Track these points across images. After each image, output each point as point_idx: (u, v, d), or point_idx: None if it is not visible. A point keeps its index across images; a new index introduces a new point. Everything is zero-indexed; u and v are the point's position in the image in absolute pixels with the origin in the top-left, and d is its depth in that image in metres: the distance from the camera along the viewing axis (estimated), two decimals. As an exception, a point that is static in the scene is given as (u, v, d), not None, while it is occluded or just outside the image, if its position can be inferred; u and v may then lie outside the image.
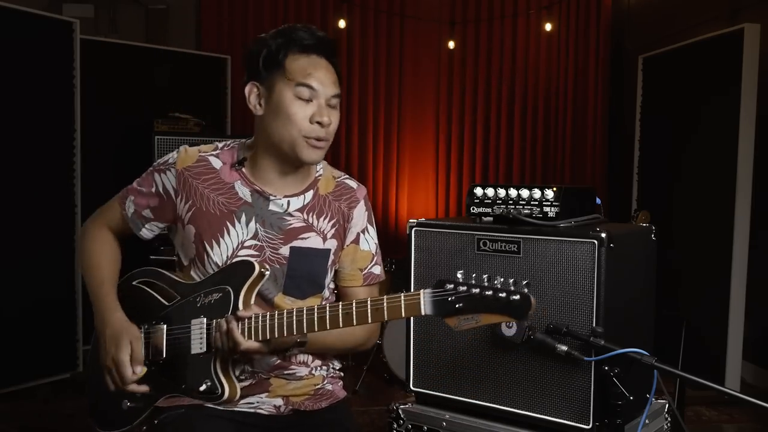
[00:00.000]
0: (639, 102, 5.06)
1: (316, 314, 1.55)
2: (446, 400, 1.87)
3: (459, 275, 1.46)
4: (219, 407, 1.71)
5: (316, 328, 1.56)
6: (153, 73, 4.90)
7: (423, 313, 1.47)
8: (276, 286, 1.77)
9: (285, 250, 1.76)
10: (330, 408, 1.85)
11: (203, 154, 1.79)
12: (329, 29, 5.74)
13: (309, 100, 1.68)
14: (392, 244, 5.86)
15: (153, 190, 1.79)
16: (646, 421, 1.74)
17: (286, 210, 1.77)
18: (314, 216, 1.80)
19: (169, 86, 4.91)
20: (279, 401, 1.79)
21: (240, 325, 1.60)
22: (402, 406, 1.90)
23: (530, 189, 1.79)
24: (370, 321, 1.52)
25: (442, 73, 6.06)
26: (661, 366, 1.52)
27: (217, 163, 1.78)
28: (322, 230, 1.80)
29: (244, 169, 1.77)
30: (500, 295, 1.42)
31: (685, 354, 3.49)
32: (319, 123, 1.68)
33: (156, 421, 1.73)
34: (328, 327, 1.56)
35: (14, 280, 3.95)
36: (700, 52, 4.50)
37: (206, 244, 1.74)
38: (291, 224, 1.77)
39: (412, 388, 1.93)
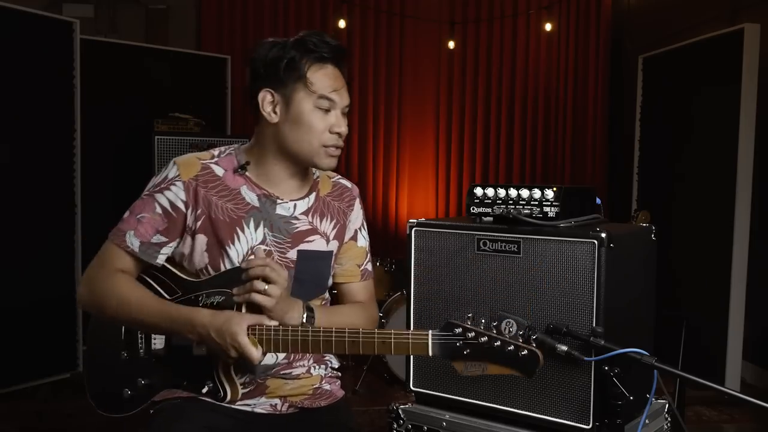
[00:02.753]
0: (639, 102, 5.06)
1: (321, 336, 1.57)
2: (446, 400, 1.87)
3: (468, 319, 1.48)
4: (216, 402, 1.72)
5: (321, 350, 1.59)
6: (153, 73, 4.90)
7: (430, 353, 1.50)
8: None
9: (292, 254, 1.77)
10: (329, 408, 1.86)
11: (204, 161, 1.76)
12: (329, 29, 5.74)
13: (328, 110, 1.72)
14: (392, 244, 5.87)
15: (159, 212, 1.71)
16: (646, 421, 1.74)
17: (293, 213, 1.78)
18: (317, 218, 1.82)
19: (169, 86, 4.91)
20: (276, 401, 1.80)
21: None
22: (402, 406, 1.90)
23: (530, 189, 1.79)
24: (375, 352, 1.56)
25: (442, 73, 6.06)
26: (661, 366, 1.52)
27: (219, 170, 1.76)
28: (325, 232, 1.83)
29: (248, 174, 1.77)
30: (508, 348, 1.44)
31: (685, 354, 3.48)
32: (338, 133, 1.73)
33: (152, 411, 1.73)
34: (333, 350, 1.59)
35: (14, 279, 3.95)
36: (700, 52, 4.50)
37: (222, 251, 1.73)
38: (297, 227, 1.78)
39: (412, 388, 1.92)
